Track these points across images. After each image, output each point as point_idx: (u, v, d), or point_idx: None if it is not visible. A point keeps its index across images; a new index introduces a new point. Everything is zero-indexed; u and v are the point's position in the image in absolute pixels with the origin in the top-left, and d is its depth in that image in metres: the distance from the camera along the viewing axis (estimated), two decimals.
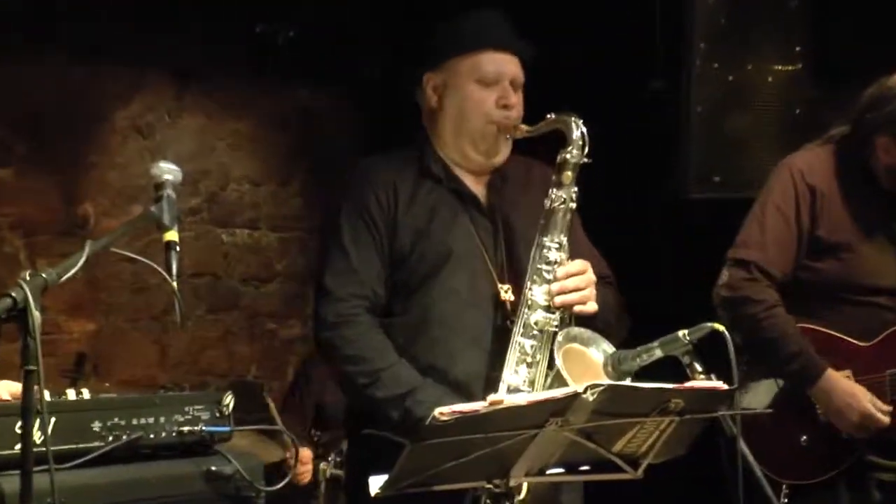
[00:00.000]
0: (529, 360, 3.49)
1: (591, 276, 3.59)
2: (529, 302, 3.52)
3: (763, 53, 5.47)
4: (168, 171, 3.05)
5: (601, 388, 2.80)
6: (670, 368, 3.17)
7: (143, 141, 6.45)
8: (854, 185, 4.12)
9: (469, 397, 3.37)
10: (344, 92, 6.95)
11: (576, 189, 3.58)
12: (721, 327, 3.12)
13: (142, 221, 3.06)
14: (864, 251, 4.08)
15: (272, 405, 5.52)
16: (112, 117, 6.35)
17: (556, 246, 3.56)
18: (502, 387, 3.45)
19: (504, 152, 3.74)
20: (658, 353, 3.19)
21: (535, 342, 3.50)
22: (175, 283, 2.90)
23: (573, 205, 3.58)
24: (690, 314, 3.42)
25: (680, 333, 3.15)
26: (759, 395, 4.09)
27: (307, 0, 6.50)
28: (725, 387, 3.03)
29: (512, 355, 3.49)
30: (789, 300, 4.08)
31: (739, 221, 4.21)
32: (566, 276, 3.53)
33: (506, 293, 3.60)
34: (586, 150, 3.59)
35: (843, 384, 4.01)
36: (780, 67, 5.49)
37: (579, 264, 3.58)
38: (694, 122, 5.42)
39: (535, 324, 3.51)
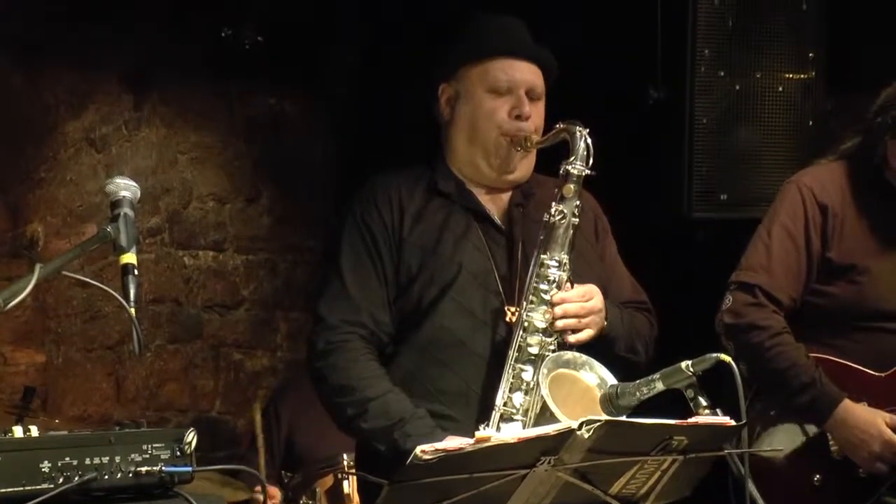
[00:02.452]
0: (525, 386, 3.50)
1: (595, 303, 3.61)
2: (526, 324, 3.54)
3: (773, 60, 5.50)
4: (125, 187, 3.05)
5: (597, 424, 2.81)
6: (673, 402, 3.19)
7: (97, 154, 6.44)
8: (869, 202, 4.15)
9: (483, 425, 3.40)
10: (315, 99, 6.96)
11: (578, 203, 3.60)
12: (728, 358, 3.13)
13: (96, 243, 3.06)
14: (879, 273, 4.10)
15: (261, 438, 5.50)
16: (63, 128, 6.34)
17: (556, 264, 3.57)
18: (495, 415, 3.47)
19: (523, 168, 3.78)
20: (659, 387, 3.20)
21: (531, 367, 3.51)
22: (133, 310, 2.91)
23: (576, 220, 3.60)
24: (694, 343, 3.43)
25: (683, 365, 3.17)
26: (778, 440, 4.09)
27: (275, 1, 6.51)
28: (733, 423, 3.04)
29: (505, 382, 3.50)
30: (798, 326, 4.10)
31: (747, 242, 4.23)
32: (561, 302, 3.55)
33: (513, 315, 3.62)
34: (590, 161, 3.61)
35: (861, 414, 4.02)
36: (791, 75, 5.51)
37: (581, 290, 3.60)
38: (698, 134, 5.44)
39: (532, 348, 3.52)
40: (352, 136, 6.78)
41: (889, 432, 3.99)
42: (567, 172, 3.61)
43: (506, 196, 3.80)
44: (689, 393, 3.15)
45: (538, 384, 3.47)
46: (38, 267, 2.85)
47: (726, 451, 3.09)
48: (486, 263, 3.68)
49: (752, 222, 4.33)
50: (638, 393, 3.23)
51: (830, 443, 4.06)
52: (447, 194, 3.75)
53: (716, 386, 3.20)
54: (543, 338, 3.54)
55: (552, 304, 3.55)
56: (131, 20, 6.22)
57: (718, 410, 3.10)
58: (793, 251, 4.13)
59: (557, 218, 3.59)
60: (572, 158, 3.61)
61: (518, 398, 3.49)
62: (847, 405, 4.02)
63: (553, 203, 3.61)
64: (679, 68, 5.46)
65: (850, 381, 4.06)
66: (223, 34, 6.40)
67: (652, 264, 5.83)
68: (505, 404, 3.49)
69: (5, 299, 2.76)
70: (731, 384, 3.12)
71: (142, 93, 6.55)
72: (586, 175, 3.61)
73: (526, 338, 3.53)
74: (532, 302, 3.56)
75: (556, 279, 3.57)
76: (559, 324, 3.54)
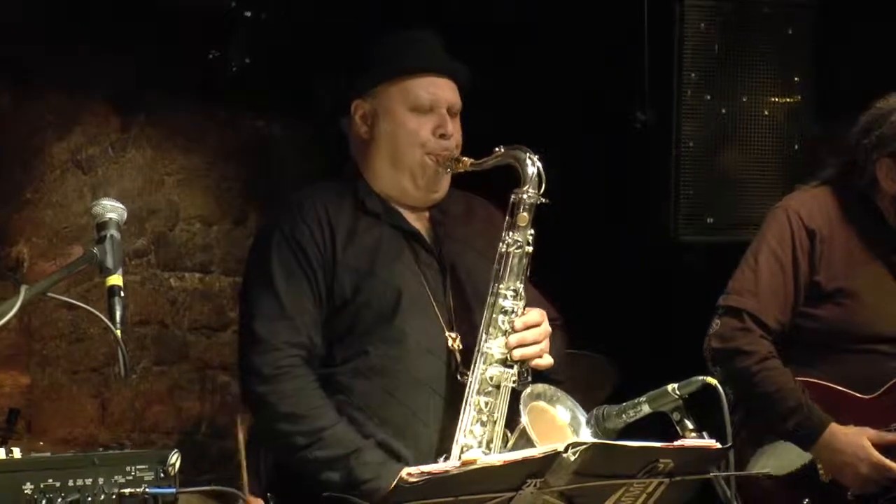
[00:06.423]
0: (485, 418, 3.46)
1: (547, 327, 3.58)
2: (485, 355, 3.49)
3: (759, 84, 5.52)
4: (111, 209, 3.04)
5: (583, 446, 2.81)
6: (659, 425, 3.19)
7: (83, 176, 6.44)
8: (856, 225, 4.16)
9: (431, 457, 3.36)
10: (302, 122, 6.95)
11: (532, 232, 3.55)
12: (714, 381, 3.14)
13: (82, 265, 3.05)
14: (866, 296, 4.11)
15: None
16: (49, 150, 6.34)
17: (513, 294, 3.53)
18: (455, 449, 3.41)
19: (445, 186, 3.71)
20: (646, 409, 3.20)
21: (490, 399, 3.46)
22: (119, 332, 2.90)
23: (530, 248, 3.54)
24: (681, 367, 3.43)
25: (669, 388, 3.17)
26: (769, 465, 4.09)
27: (262, 25, 6.51)
28: (719, 445, 3.04)
29: (466, 414, 3.45)
30: (786, 349, 4.10)
31: (733, 266, 4.23)
32: (525, 328, 3.51)
33: (454, 341, 3.58)
34: (543, 188, 3.55)
35: (848, 437, 4.01)
36: (777, 99, 5.53)
37: (536, 315, 3.56)
38: (684, 158, 5.46)
39: (491, 379, 3.48)
40: (339, 159, 6.77)
41: (876, 453, 3.99)
42: (519, 200, 3.55)
43: (426, 214, 3.73)
44: (676, 416, 3.15)
45: (503, 416, 3.44)
46: (23, 289, 2.84)
47: (712, 474, 3.09)
48: (421, 288, 3.61)
49: (739, 245, 4.33)
50: (624, 416, 3.23)
51: (818, 466, 4.05)
52: (376, 214, 3.67)
53: (703, 409, 3.20)
54: (503, 369, 3.48)
55: (511, 334, 3.50)
56: (119, 42, 6.21)
57: (705, 433, 3.11)
58: (780, 275, 4.13)
59: (513, 247, 3.53)
60: (524, 186, 3.54)
61: (478, 430, 3.44)
62: (833, 429, 4.02)
63: (506, 232, 3.55)
64: (666, 92, 5.47)
65: (838, 405, 4.05)
66: (211, 56, 6.39)
67: (638, 287, 5.86)
68: (464, 436, 3.43)
69: None
70: (717, 407, 3.12)
71: (129, 114, 6.55)
72: (541, 203, 3.55)
73: (486, 369, 3.48)
74: (491, 333, 3.50)
75: (514, 309, 3.52)
76: (517, 353, 3.49)
